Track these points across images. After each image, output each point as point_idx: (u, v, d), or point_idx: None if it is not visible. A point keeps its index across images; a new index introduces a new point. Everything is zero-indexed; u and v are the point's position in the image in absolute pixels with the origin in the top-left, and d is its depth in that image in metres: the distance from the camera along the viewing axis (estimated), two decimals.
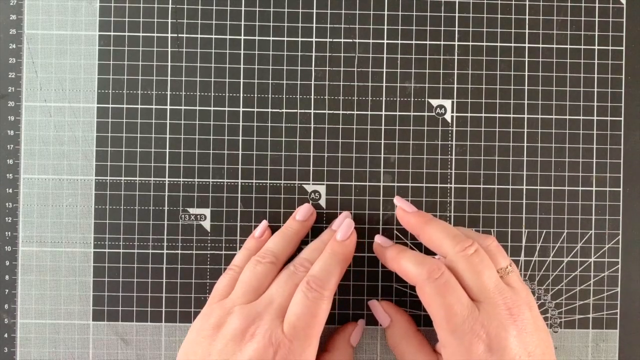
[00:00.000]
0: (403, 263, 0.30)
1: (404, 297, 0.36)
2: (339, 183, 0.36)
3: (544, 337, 0.29)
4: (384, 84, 0.36)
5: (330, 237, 0.33)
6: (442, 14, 0.36)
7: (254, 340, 0.28)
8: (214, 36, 0.36)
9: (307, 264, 0.31)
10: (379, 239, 0.33)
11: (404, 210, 0.33)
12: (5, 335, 0.35)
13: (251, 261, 0.32)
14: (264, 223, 0.34)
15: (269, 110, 0.36)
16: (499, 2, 0.36)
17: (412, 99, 0.36)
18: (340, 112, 0.36)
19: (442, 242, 0.30)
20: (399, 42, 0.36)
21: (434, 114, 0.36)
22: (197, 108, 0.36)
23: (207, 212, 0.36)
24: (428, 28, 0.36)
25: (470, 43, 0.36)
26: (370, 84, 0.36)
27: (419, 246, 0.36)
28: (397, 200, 0.34)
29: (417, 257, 0.30)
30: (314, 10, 0.36)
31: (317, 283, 0.29)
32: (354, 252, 0.33)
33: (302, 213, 0.34)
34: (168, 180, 0.36)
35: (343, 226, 0.32)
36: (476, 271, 0.29)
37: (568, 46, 0.36)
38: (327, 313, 0.29)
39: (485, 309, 0.28)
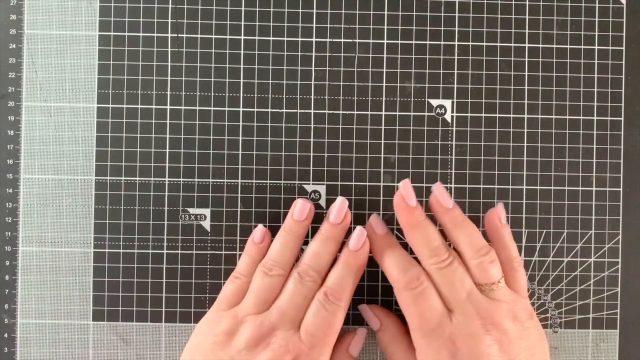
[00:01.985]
0: (386, 263, 0.31)
1: None
2: (339, 183, 0.36)
3: (531, 346, 0.29)
4: (384, 84, 0.36)
5: (327, 231, 0.32)
6: (442, 14, 0.36)
7: (270, 349, 0.29)
8: (214, 36, 0.36)
9: (311, 272, 0.31)
10: (373, 221, 0.33)
11: (402, 200, 0.31)
12: (5, 335, 0.35)
13: (259, 273, 0.32)
14: (263, 228, 0.34)
15: (269, 110, 0.36)
16: (499, 2, 0.36)
17: (412, 99, 0.36)
18: (340, 112, 0.36)
19: (421, 251, 0.31)
20: (399, 42, 0.36)
21: (434, 114, 0.36)
22: (197, 108, 0.36)
23: (207, 212, 0.36)
24: (428, 28, 0.36)
25: (470, 43, 0.36)
26: (370, 84, 0.36)
27: None
28: (403, 186, 0.31)
29: (402, 262, 0.31)
30: (314, 10, 0.36)
31: (335, 295, 0.30)
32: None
33: (299, 212, 0.33)
34: (168, 180, 0.36)
35: (355, 236, 0.32)
36: (448, 282, 0.30)
37: (568, 46, 0.36)
38: (342, 322, 0.31)
39: (457, 318, 0.29)
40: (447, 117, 0.36)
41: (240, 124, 0.36)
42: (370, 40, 0.36)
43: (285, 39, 0.36)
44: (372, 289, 0.36)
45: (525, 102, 0.36)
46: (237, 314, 0.31)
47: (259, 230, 0.34)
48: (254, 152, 0.36)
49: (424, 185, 0.36)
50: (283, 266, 0.32)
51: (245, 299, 0.32)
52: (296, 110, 0.36)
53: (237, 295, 0.32)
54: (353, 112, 0.36)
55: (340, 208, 0.32)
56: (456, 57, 0.36)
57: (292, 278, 0.31)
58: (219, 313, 0.31)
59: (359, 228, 0.32)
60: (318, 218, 0.35)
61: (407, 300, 0.30)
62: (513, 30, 0.36)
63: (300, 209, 0.33)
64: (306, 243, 0.34)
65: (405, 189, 0.31)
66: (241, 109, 0.36)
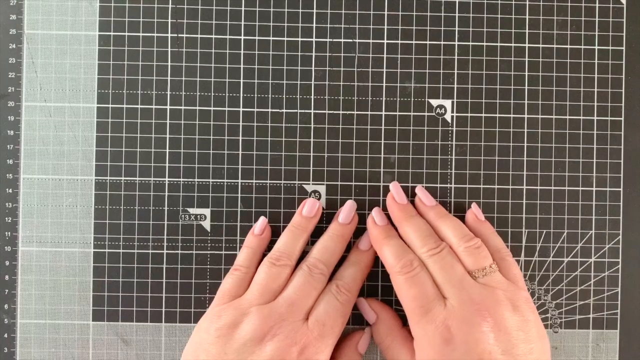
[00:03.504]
0: (384, 250, 0.32)
1: None
2: (339, 183, 0.36)
3: (530, 340, 0.29)
4: (384, 84, 0.36)
5: (336, 230, 0.34)
6: (442, 14, 0.36)
7: (276, 339, 0.29)
8: (214, 36, 0.36)
9: (320, 265, 0.32)
10: (375, 213, 0.34)
11: (393, 199, 0.34)
12: (5, 335, 0.35)
13: (265, 264, 0.32)
14: (264, 220, 0.34)
15: (269, 110, 0.36)
16: (499, 2, 0.36)
17: (412, 99, 0.36)
18: (340, 112, 0.36)
19: (413, 242, 0.32)
20: (399, 42, 0.36)
21: (434, 114, 0.36)
22: (197, 108, 0.36)
23: (207, 212, 0.36)
24: (428, 28, 0.36)
25: (470, 43, 0.36)
26: (370, 84, 0.36)
27: None
28: (393, 187, 0.35)
29: (398, 249, 0.32)
30: (314, 10, 0.36)
31: (346, 287, 0.32)
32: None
33: (309, 209, 0.34)
34: (168, 180, 0.36)
35: (365, 237, 0.34)
36: (440, 268, 0.31)
37: (568, 46, 0.36)
38: (349, 314, 0.32)
39: (451, 303, 0.29)
40: (447, 117, 0.36)
41: (240, 124, 0.36)
42: (370, 40, 0.36)
43: (285, 39, 0.36)
44: (372, 288, 0.36)
45: (525, 102, 0.36)
46: (241, 305, 0.31)
47: (260, 222, 0.34)
48: (254, 152, 0.36)
49: (424, 185, 0.35)
50: (290, 257, 0.32)
51: (249, 289, 0.31)
52: (296, 110, 0.36)
53: (238, 287, 0.32)
54: (353, 112, 0.36)
55: (349, 210, 0.34)
56: (456, 57, 0.36)
57: (301, 270, 0.32)
58: (220, 307, 0.31)
59: (368, 232, 0.34)
60: (320, 218, 0.35)
61: (401, 283, 0.31)
62: (513, 30, 0.36)
63: (310, 206, 0.34)
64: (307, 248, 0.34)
65: (395, 189, 0.34)
66: (241, 109, 0.36)
